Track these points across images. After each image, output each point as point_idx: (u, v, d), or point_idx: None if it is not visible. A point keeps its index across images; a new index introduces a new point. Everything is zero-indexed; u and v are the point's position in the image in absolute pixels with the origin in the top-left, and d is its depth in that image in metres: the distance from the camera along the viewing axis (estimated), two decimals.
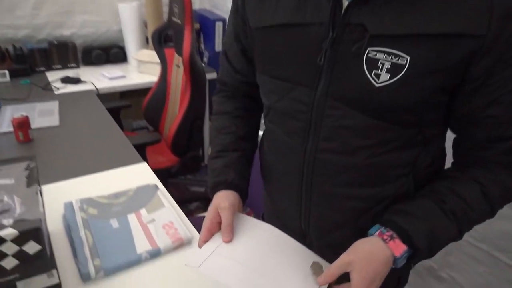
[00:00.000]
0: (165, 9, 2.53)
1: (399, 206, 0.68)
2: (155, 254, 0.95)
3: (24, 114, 1.49)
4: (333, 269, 0.63)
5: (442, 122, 0.68)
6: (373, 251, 0.63)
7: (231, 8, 0.83)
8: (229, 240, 0.71)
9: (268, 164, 0.86)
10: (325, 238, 0.79)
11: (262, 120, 0.88)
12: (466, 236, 1.39)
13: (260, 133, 0.93)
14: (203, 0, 2.85)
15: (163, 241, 0.98)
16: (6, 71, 2.19)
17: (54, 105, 1.86)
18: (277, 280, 0.66)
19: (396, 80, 0.59)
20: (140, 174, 1.32)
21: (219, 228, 0.73)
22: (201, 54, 2.79)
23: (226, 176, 0.79)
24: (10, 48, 2.31)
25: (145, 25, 2.61)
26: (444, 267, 1.54)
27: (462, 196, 0.65)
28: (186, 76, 1.85)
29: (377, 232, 0.64)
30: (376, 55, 0.60)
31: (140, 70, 2.48)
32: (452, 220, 0.65)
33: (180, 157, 1.97)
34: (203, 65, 2.69)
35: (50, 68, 2.40)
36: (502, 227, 1.29)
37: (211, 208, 0.75)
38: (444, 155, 0.76)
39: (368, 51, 0.60)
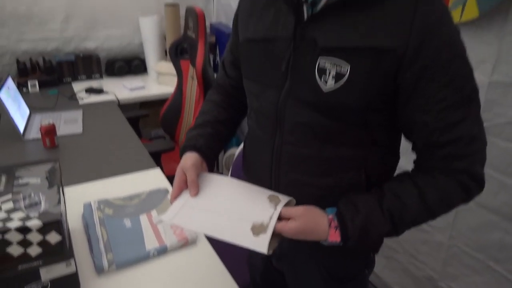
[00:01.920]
0: (183, 22, 2.67)
1: (351, 198, 0.78)
2: (162, 250, 1.05)
3: (51, 122, 1.63)
4: (286, 211, 0.76)
5: (391, 127, 0.77)
6: (318, 224, 0.76)
7: (232, 25, 0.97)
8: (195, 193, 0.83)
9: (247, 158, 0.99)
10: None
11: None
12: (464, 246, 1.44)
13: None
14: (220, 14, 2.98)
15: (170, 239, 1.07)
16: (36, 82, 2.36)
17: (78, 114, 2.01)
18: (241, 216, 0.76)
19: (340, 85, 0.70)
20: (153, 179, 1.42)
21: (187, 186, 0.85)
22: (216, 66, 2.91)
23: (195, 142, 0.92)
24: (40, 60, 2.49)
25: (164, 38, 2.75)
26: (444, 277, 1.57)
27: (402, 198, 0.74)
28: (199, 87, 1.97)
29: (330, 216, 0.76)
30: (325, 63, 0.71)
31: (159, 81, 2.62)
32: (387, 217, 0.74)
33: None
34: (215, 76, 2.82)
35: (75, 79, 2.57)
36: (499, 237, 1.33)
37: (178, 169, 0.87)
38: (396, 154, 0.85)
39: (319, 61, 0.71)
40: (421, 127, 0.72)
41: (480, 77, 1.23)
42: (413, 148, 0.79)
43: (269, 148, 0.85)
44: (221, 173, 2.90)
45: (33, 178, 0.96)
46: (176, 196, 0.84)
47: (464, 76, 0.69)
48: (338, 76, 0.70)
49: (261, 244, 0.70)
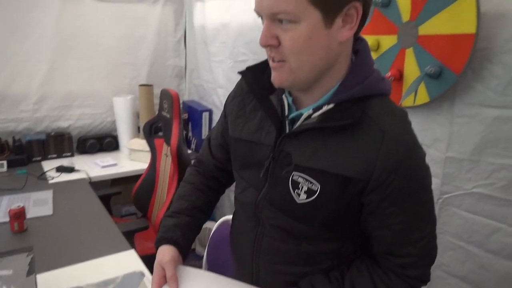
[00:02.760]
0: (156, 101, 2.77)
1: (312, 279, 0.83)
2: None
3: (21, 205, 1.59)
4: None
5: (358, 225, 0.82)
6: None
7: (222, 111, 1.03)
8: None
9: (234, 238, 1.02)
10: None
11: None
12: None
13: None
14: (192, 92, 3.13)
15: None
16: (4, 162, 2.32)
17: (48, 194, 1.97)
18: None
19: (311, 200, 0.76)
20: (127, 262, 1.39)
21: (166, 281, 0.85)
22: (189, 141, 2.98)
23: (172, 234, 0.93)
24: (10, 140, 2.47)
25: (137, 116, 2.83)
26: None
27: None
28: (173, 164, 2.00)
29: None
30: (298, 178, 0.77)
31: (131, 158, 2.64)
32: None
33: None
34: (189, 151, 2.88)
35: (46, 158, 2.54)
36: None
37: (156, 264, 0.88)
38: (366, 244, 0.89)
39: (293, 174, 0.77)
40: (381, 239, 0.79)
41: (436, 153, 1.35)
42: (371, 245, 0.84)
43: (251, 236, 0.89)
44: (194, 249, 2.84)
45: (4, 270, 0.93)
46: None
47: (423, 203, 0.76)
48: (309, 192, 0.75)
49: None
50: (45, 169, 2.36)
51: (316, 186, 0.75)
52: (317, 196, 0.75)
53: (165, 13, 2.96)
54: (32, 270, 1.03)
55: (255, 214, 0.87)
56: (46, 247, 1.48)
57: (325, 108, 0.73)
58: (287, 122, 0.80)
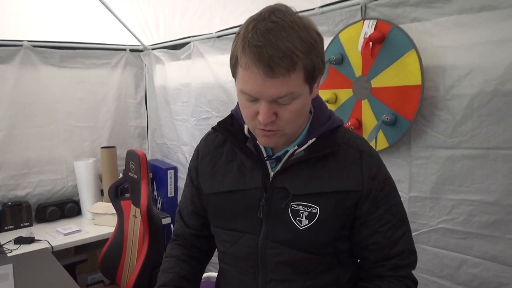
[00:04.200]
0: (120, 162, 2.74)
1: None
2: None
3: None
4: None
5: (351, 250, 0.92)
6: None
7: (187, 178, 1.06)
8: None
9: None
10: None
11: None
12: None
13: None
14: (155, 152, 3.13)
15: None
16: None
17: (8, 269, 1.84)
18: None
19: (313, 223, 0.84)
20: None
21: None
22: (155, 201, 2.93)
23: None
24: None
25: (100, 179, 2.76)
26: None
27: None
28: (144, 225, 1.96)
29: None
30: (297, 207, 0.85)
31: (96, 222, 2.55)
32: None
33: None
34: (158, 208, 2.83)
35: (2, 230, 2.40)
36: None
37: None
38: (358, 271, 0.97)
39: (291, 205, 0.85)
40: (374, 246, 0.89)
41: (401, 193, 1.43)
42: (362, 264, 0.95)
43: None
44: None
45: None
46: None
47: (398, 203, 0.91)
48: (310, 216, 0.84)
49: None
50: (2, 242, 2.22)
51: (316, 209, 0.84)
52: (318, 217, 0.84)
53: (125, 76, 3.02)
54: None
55: (255, 260, 0.88)
56: None
57: (309, 142, 0.86)
58: (268, 163, 0.89)
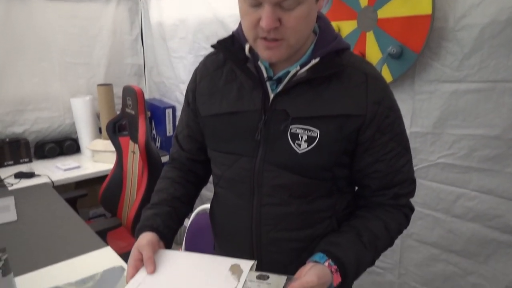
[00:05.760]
0: (117, 100, 2.70)
1: (331, 239, 0.86)
2: None
3: None
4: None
5: (350, 177, 0.91)
6: (325, 277, 0.77)
7: (184, 102, 1.03)
8: (152, 270, 0.81)
9: (220, 224, 1.01)
10: None
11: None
12: (413, 281, 1.55)
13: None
14: (153, 90, 3.07)
15: None
16: None
17: (9, 201, 1.87)
18: None
19: (312, 147, 0.82)
20: (105, 259, 1.36)
21: (143, 264, 0.83)
22: (153, 139, 2.93)
23: (152, 222, 0.92)
24: None
25: (97, 116, 2.74)
26: None
27: (373, 230, 0.86)
28: (142, 160, 1.97)
29: (327, 264, 0.79)
30: (296, 130, 0.82)
31: (95, 159, 2.56)
32: (369, 250, 0.84)
33: None
34: (157, 146, 2.84)
35: (1, 165, 2.41)
36: (441, 269, 1.46)
37: (133, 248, 0.86)
38: (356, 199, 0.97)
39: (291, 128, 0.82)
40: (376, 174, 0.87)
41: None
42: (361, 192, 0.94)
43: (247, 212, 0.90)
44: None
45: None
46: (132, 276, 0.82)
47: (403, 131, 0.88)
48: (310, 139, 0.82)
49: None
50: (2, 176, 2.23)
51: (316, 133, 0.81)
52: (317, 142, 0.81)
53: (119, 11, 2.88)
54: (9, 270, 0.98)
55: (251, 182, 0.87)
56: (16, 252, 1.40)
57: (313, 62, 0.82)
58: (268, 84, 0.85)
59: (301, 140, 0.82)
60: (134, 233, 0.94)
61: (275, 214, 0.88)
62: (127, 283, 0.80)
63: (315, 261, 0.80)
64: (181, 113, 1.06)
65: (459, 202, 1.36)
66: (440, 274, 1.46)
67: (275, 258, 0.91)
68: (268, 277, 0.76)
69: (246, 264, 0.81)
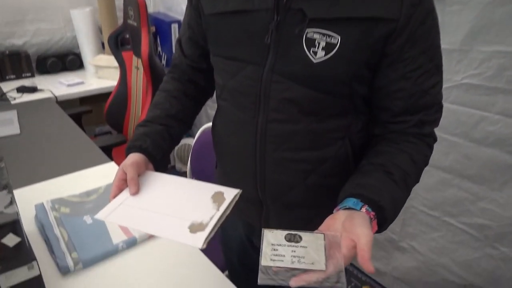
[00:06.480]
0: (119, 13, 2.54)
1: (359, 181, 0.72)
2: (131, 243, 0.99)
3: None
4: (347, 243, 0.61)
5: (368, 97, 0.79)
6: (366, 221, 0.63)
7: (187, 1, 0.90)
8: (134, 192, 0.78)
9: (222, 141, 0.93)
10: (280, 200, 0.87)
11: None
12: (421, 205, 1.53)
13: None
14: (157, 3, 2.87)
15: (138, 231, 1.01)
16: None
17: (12, 114, 1.83)
18: (181, 215, 0.73)
19: (330, 56, 0.69)
20: (109, 173, 1.34)
21: (127, 185, 0.80)
22: (159, 56, 2.80)
23: (141, 142, 0.86)
24: None
25: (99, 30, 2.60)
26: (404, 237, 1.66)
27: (401, 166, 0.73)
28: (146, 76, 1.88)
29: (364, 210, 0.65)
30: (313, 35, 0.69)
31: (99, 75, 2.47)
32: (402, 189, 0.72)
33: None
34: (162, 64, 2.73)
35: (3, 79, 2.35)
36: (452, 194, 1.42)
37: (118, 168, 0.83)
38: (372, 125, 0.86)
39: (307, 32, 0.70)
40: (398, 92, 0.74)
41: None
42: (379, 118, 0.80)
43: (251, 128, 0.81)
44: (173, 166, 2.82)
45: None
46: (115, 195, 0.79)
47: (437, 46, 0.74)
48: (328, 47, 0.69)
49: (196, 240, 0.67)
50: (5, 90, 2.18)
51: (336, 39, 0.68)
52: (337, 49, 0.69)
53: None
54: (6, 179, 0.95)
55: (257, 95, 0.78)
56: (18, 164, 1.39)
57: None
58: None
59: (318, 48, 0.70)
60: None
61: (281, 132, 0.79)
62: (110, 201, 0.78)
63: (349, 208, 0.66)
64: (184, 14, 0.94)
65: (480, 126, 1.27)
66: (449, 199, 1.43)
67: (279, 179, 0.84)
68: (301, 238, 0.62)
69: (230, 193, 0.77)
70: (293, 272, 0.57)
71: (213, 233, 0.69)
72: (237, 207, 0.77)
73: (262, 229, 0.63)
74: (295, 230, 0.62)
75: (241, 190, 0.78)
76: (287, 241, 0.61)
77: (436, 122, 0.79)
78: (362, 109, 0.80)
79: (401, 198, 0.72)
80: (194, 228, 0.69)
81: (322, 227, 0.64)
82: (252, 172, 0.85)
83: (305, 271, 0.57)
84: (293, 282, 0.56)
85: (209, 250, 1.01)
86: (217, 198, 0.76)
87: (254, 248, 1.04)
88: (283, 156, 0.81)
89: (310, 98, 0.74)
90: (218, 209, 0.73)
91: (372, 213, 0.65)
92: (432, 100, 0.75)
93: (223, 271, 0.95)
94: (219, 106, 0.91)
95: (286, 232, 0.62)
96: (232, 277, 1.19)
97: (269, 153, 0.82)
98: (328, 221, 0.65)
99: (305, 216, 0.87)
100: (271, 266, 0.57)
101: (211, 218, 0.71)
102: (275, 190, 0.85)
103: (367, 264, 0.57)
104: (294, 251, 0.59)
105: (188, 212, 0.74)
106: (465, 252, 1.45)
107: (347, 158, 0.81)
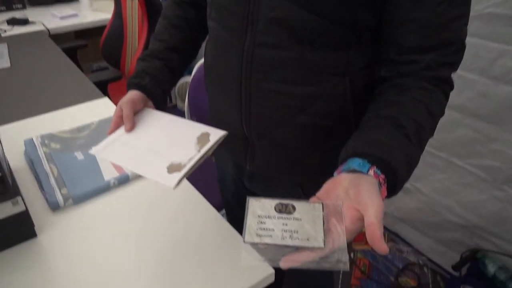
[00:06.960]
0: None
1: (366, 136, 0.60)
2: (123, 180, 0.95)
3: None
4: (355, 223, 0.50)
5: (376, 31, 0.66)
6: (375, 187, 0.52)
7: None
8: (129, 129, 0.77)
9: (210, 65, 0.86)
10: (266, 137, 0.79)
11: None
12: (428, 146, 1.46)
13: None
14: None
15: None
16: None
17: (2, 48, 1.75)
18: (163, 154, 0.72)
19: None
20: (102, 109, 1.28)
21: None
22: None
23: (140, 79, 0.84)
24: None
25: None
26: (409, 179, 1.62)
27: (415, 118, 0.60)
28: (141, 7, 1.76)
29: (372, 173, 0.53)
30: None
31: (93, 8, 2.34)
32: (416, 145, 0.59)
33: None
34: None
35: None
36: (462, 134, 1.35)
37: (117, 105, 0.81)
38: (378, 64, 0.73)
39: None
40: (413, 24, 0.62)
41: None
42: (387, 55, 0.67)
43: (237, 53, 0.72)
44: (175, 105, 2.76)
45: None
46: (112, 132, 0.79)
47: None
48: None
49: (170, 180, 0.65)
50: None
51: None
52: None
53: None
54: None
55: (245, 13, 0.68)
56: (7, 99, 1.33)
57: None
58: None
59: None
60: None
61: (270, 59, 0.69)
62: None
63: (353, 170, 0.54)
64: None
65: (500, 61, 1.17)
66: (458, 140, 1.36)
67: (266, 114, 0.75)
68: (294, 209, 0.51)
69: (216, 135, 0.73)
70: (284, 250, 0.47)
71: (188, 174, 0.67)
72: (224, 143, 0.74)
73: (247, 197, 0.53)
74: (287, 199, 0.52)
75: (226, 132, 0.73)
76: (277, 212, 0.51)
77: (455, 65, 0.65)
78: (368, 44, 0.68)
79: (416, 157, 0.60)
80: (172, 168, 0.68)
81: (320, 193, 0.54)
82: (237, 104, 0.78)
83: (298, 248, 0.47)
84: (283, 263, 0.46)
85: (205, 188, 0.97)
86: (202, 139, 0.73)
87: (247, 189, 1.00)
88: (271, 88, 0.72)
89: (302, 20, 0.64)
90: (199, 151, 0.70)
91: (382, 176, 0.53)
92: (452, 36, 0.62)
93: (219, 210, 0.92)
94: (209, 27, 0.82)
95: (276, 201, 0.52)
96: (228, 216, 1.17)
97: (255, 84, 0.73)
98: (327, 185, 0.54)
99: (292, 157, 0.80)
100: (257, 243, 0.47)
101: (189, 160, 0.68)
102: (261, 125, 0.78)
103: (378, 243, 0.45)
104: (286, 224, 0.49)
105: (172, 151, 0.72)
106: (470, 193, 1.41)
107: (345, 99, 0.71)
